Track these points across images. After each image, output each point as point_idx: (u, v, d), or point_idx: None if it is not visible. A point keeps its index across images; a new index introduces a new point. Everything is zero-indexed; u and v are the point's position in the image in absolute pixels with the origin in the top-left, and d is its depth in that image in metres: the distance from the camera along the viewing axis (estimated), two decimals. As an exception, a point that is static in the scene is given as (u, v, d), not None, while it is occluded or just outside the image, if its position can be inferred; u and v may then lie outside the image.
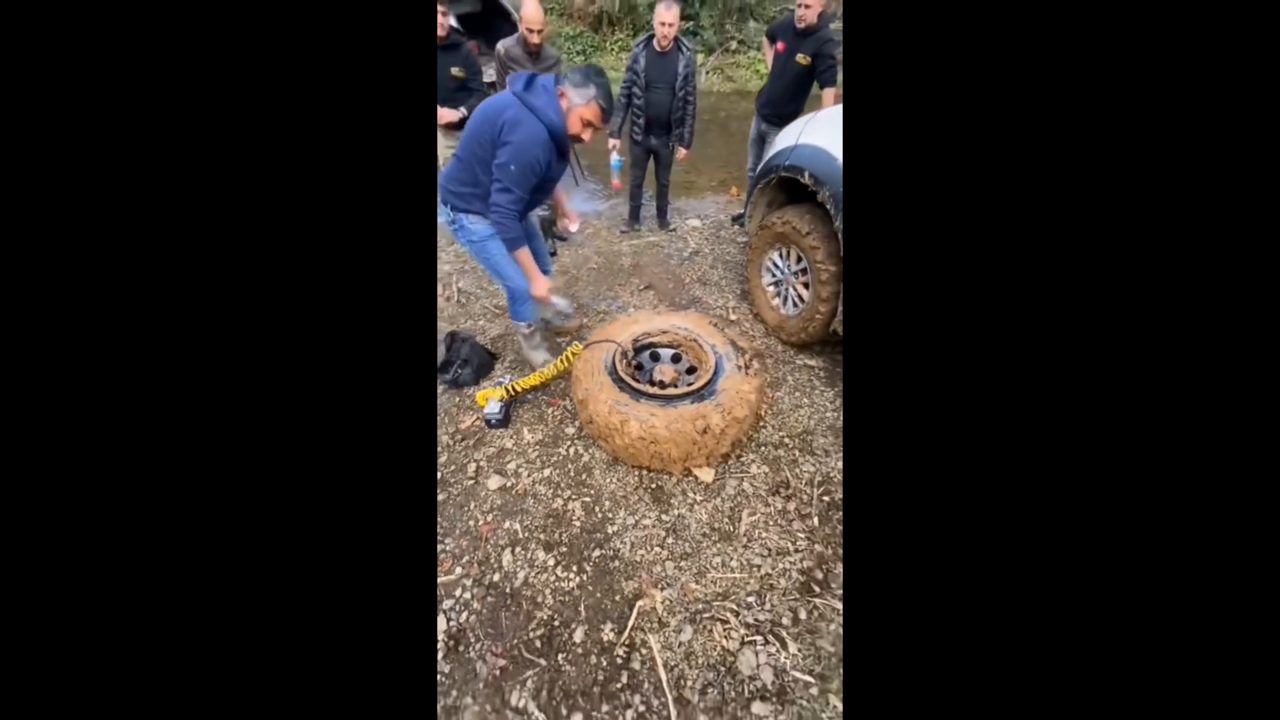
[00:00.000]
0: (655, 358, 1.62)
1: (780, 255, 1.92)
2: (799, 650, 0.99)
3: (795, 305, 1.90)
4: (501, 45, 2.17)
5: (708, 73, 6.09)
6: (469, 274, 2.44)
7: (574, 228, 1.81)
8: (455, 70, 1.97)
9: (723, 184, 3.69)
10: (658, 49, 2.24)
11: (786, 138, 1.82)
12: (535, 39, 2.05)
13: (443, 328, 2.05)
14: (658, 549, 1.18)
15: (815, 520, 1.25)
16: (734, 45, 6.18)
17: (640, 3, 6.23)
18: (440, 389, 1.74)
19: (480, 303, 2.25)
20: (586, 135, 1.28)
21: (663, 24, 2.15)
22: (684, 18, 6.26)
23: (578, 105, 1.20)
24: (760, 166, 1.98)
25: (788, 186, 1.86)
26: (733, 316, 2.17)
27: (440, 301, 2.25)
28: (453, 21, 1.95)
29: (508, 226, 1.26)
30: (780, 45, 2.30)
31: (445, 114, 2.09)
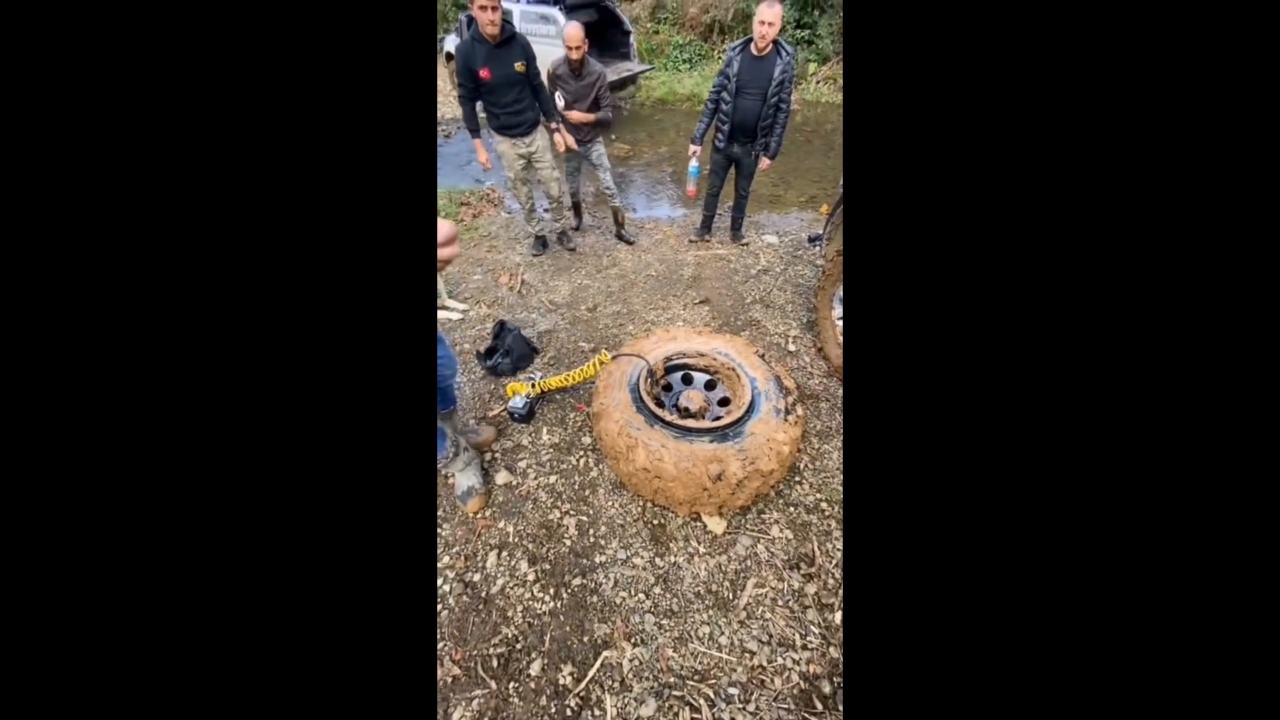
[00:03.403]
0: (688, 380, 1.50)
1: (857, 287, 1.66)
2: (777, 777, 0.81)
3: (867, 347, 1.63)
4: (551, 63, 2.20)
5: (818, 82, 5.68)
6: (534, 268, 2.53)
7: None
8: (518, 65, 1.99)
9: (812, 200, 3.39)
10: (754, 52, 2.09)
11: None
12: (575, 55, 2.15)
13: (498, 315, 2.14)
14: (642, 596, 1.06)
15: (837, 616, 1.03)
16: (855, 53, 5.67)
17: (754, 11, 6.03)
18: (479, 374, 1.81)
19: (538, 296, 2.32)
20: None
21: (763, 23, 1.99)
22: (800, 25, 5.93)
23: None
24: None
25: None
26: (792, 347, 1.94)
27: (503, 290, 2.37)
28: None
29: None
30: None
31: (568, 135, 2.21)
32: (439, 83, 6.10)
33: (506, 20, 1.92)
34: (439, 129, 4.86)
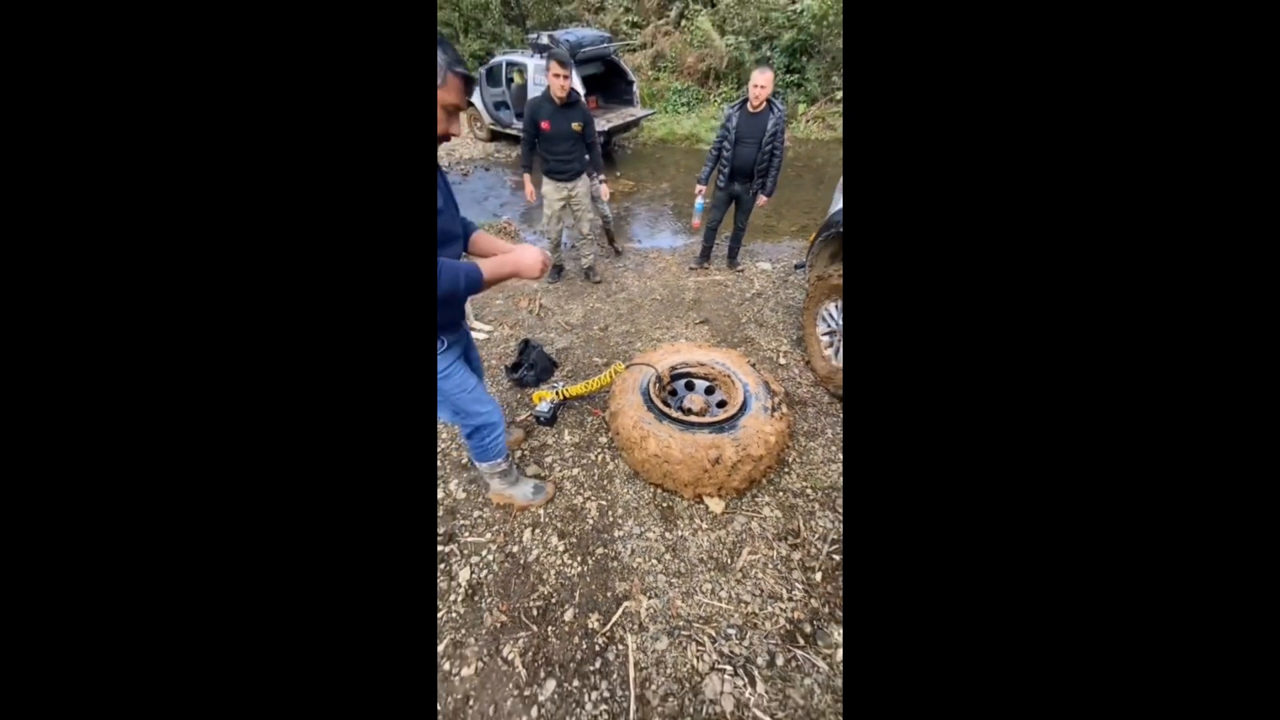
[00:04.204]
0: (690, 387, 1.74)
1: (835, 307, 1.92)
2: (766, 691, 1.00)
3: (846, 358, 1.88)
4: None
5: (808, 121, 6.18)
6: (550, 293, 2.83)
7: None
8: (575, 124, 2.41)
9: (803, 229, 3.71)
10: (750, 109, 2.45)
11: (852, 196, 1.86)
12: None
13: (520, 335, 2.42)
14: (654, 561, 1.27)
15: (818, 575, 1.23)
16: (839, 95, 6.21)
17: (747, 60, 6.64)
18: (507, 385, 2.06)
19: (555, 318, 2.60)
20: (455, 129, 0.84)
21: (757, 86, 2.35)
22: (790, 70, 6.52)
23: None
24: (825, 220, 2.03)
25: (850, 241, 1.88)
26: (783, 361, 2.19)
27: (523, 313, 2.65)
28: (578, 85, 2.39)
29: (444, 275, 0.81)
30: None
31: (603, 190, 2.66)
32: (458, 128, 6.66)
33: (574, 89, 2.36)
34: (458, 168, 5.33)
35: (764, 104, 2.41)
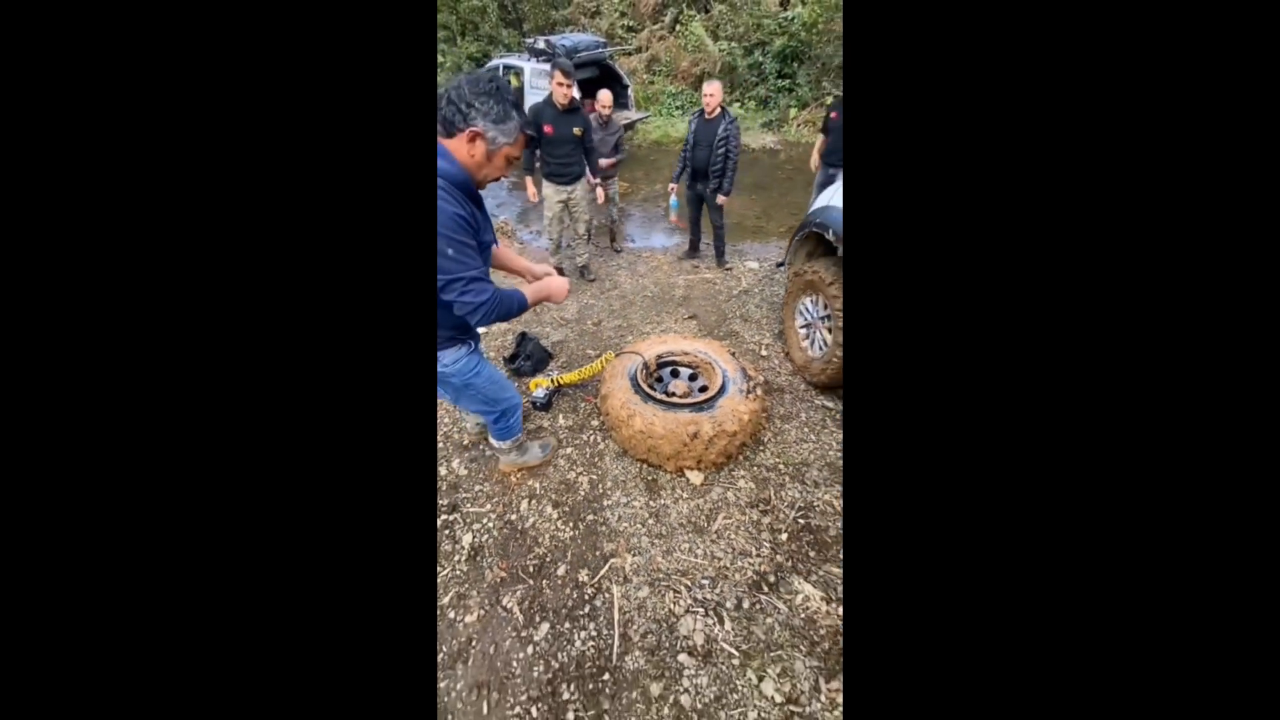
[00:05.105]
0: (675, 374, 1.89)
1: (811, 301, 2.07)
2: (733, 628, 1.14)
3: (820, 348, 2.03)
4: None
5: (799, 125, 6.35)
6: (547, 288, 2.96)
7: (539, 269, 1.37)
8: (576, 129, 2.58)
9: (791, 230, 3.86)
10: (705, 117, 2.68)
11: (824, 198, 2.02)
12: (605, 113, 2.98)
13: (517, 328, 2.55)
14: (639, 526, 1.42)
15: (784, 536, 1.38)
16: (829, 100, 6.39)
17: (739, 65, 6.81)
18: (505, 374, 2.20)
19: (550, 313, 2.74)
20: (508, 172, 1.02)
21: (707, 95, 2.63)
22: (781, 75, 6.69)
23: (504, 144, 0.92)
24: (802, 220, 2.18)
25: (822, 239, 2.04)
26: (764, 353, 2.34)
27: (521, 308, 2.79)
28: (575, 93, 2.55)
29: (490, 306, 0.96)
30: (834, 114, 2.68)
31: (599, 193, 2.87)
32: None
33: (575, 97, 2.53)
34: (458, 169, 5.46)
35: (717, 111, 2.65)
